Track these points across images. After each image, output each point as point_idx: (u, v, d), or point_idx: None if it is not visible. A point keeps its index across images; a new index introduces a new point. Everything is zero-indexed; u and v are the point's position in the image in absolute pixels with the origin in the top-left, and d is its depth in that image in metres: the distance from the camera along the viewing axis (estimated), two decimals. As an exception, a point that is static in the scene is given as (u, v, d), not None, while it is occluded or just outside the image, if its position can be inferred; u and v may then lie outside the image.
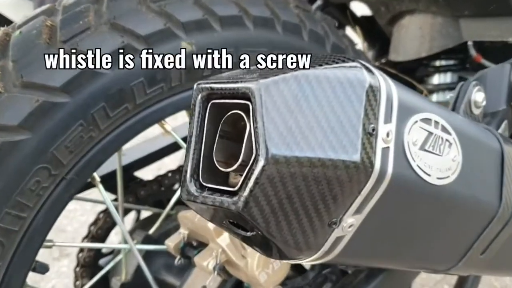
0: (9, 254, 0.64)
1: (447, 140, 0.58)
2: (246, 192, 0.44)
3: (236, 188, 0.45)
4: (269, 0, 0.85)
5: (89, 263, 1.04)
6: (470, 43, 1.27)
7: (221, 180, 0.49)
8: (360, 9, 1.58)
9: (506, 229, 0.71)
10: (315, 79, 0.46)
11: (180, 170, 1.16)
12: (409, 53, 1.34)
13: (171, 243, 0.75)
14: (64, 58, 0.63)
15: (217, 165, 0.47)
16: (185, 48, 0.73)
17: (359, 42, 1.41)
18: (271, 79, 0.44)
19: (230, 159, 0.48)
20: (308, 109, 0.46)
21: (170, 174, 1.14)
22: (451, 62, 1.39)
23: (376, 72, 0.52)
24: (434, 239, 0.64)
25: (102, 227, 1.04)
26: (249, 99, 0.44)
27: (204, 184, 0.48)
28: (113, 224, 1.06)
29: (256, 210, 0.45)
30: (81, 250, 1.04)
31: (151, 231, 0.94)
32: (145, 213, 1.14)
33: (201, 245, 0.74)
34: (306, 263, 0.54)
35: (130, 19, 0.68)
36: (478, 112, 0.79)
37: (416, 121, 0.54)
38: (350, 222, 0.51)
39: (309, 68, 0.47)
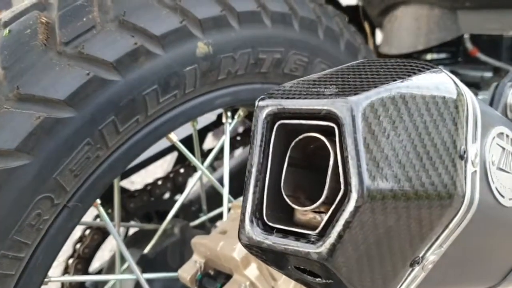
0: (4, 303, 0.52)
1: (515, 155, 0.52)
2: (333, 238, 0.35)
3: (317, 232, 0.37)
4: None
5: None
6: (466, 36, 1.23)
7: (284, 217, 0.40)
8: (346, -1, 1.51)
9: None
10: (409, 95, 0.38)
11: (170, 177, 1.05)
12: (404, 46, 1.28)
13: (187, 274, 0.65)
14: (68, 64, 0.52)
15: (288, 201, 0.39)
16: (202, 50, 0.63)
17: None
18: (364, 96, 0.36)
19: (299, 192, 0.40)
20: (403, 132, 0.38)
21: (159, 182, 1.03)
22: (442, 55, 1.35)
23: (458, 82, 0.44)
24: (487, 260, 0.59)
25: (89, 245, 0.92)
26: (334, 121, 0.36)
27: (270, 224, 0.39)
28: (100, 242, 0.95)
29: (343, 258, 0.36)
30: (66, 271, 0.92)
31: (146, 250, 0.84)
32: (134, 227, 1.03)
33: (219, 275, 0.64)
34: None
35: (141, 16, 0.58)
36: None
37: (494, 137, 0.48)
38: (432, 259, 0.44)
39: (396, 80, 0.39)
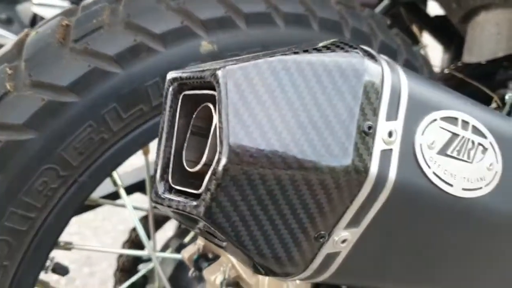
0: (18, 254, 0.64)
1: (480, 144, 0.48)
2: (207, 196, 0.38)
3: (200, 191, 0.40)
4: (309, -1, 0.79)
5: (127, 268, 1.04)
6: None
7: (196, 182, 0.44)
8: (435, 9, 1.46)
9: None
10: (295, 66, 0.40)
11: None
12: (484, 53, 1.20)
13: (187, 254, 0.71)
14: (75, 58, 0.62)
15: (185, 165, 0.43)
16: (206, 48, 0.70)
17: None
18: (239, 65, 0.39)
19: (200, 158, 0.43)
20: (284, 101, 0.39)
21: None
22: (538, 64, 1.22)
23: (382, 59, 0.44)
24: (479, 267, 0.54)
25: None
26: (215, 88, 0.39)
27: (173, 185, 0.44)
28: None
29: (221, 216, 0.39)
30: (121, 255, 1.04)
31: (186, 239, 0.91)
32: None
33: (216, 258, 0.69)
34: (299, 280, 0.48)
35: (145, 18, 0.66)
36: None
37: (435, 120, 0.45)
38: (344, 236, 0.43)
39: (292, 54, 0.41)
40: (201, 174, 0.42)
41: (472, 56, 1.24)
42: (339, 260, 0.45)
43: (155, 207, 1.07)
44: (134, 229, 1.07)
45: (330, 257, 0.44)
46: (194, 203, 0.40)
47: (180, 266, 0.88)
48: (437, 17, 1.49)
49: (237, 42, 0.72)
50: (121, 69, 0.64)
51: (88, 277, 1.80)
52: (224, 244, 0.43)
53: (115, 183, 0.77)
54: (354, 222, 0.43)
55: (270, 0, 0.75)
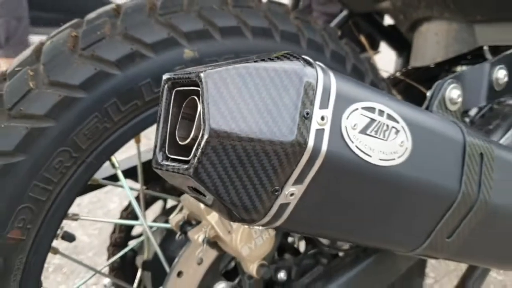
0: (38, 220, 0.79)
1: (393, 127, 0.66)
2: (195, 160, 0.55)
3: (190, 158, 0.57)
4: (269, 11, 0.96)
5: (119, 243, 1.19)
6: (485, 47, 1.31)
7: (186, 153, 0.61)
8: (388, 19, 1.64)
9: (471, 217, 0.77)
10: (255, 71, 0.57)
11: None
12: (426, 59, 1.39)
13: (174, 221, 0.87)
14: (84, 63, 0.78)
15: (178, 140, 0.59)
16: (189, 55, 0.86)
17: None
18: (216, 69, 0.56)
19: (189, 136, 0.60)
20: (248, 95, 0.56)
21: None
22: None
23: (317, 66, 0.61)
24: (392, 219, 0.72)
25: (132, 211, 1.19)
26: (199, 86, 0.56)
27: (169, 155, 0.60)
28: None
29: (205, 175, 0.56)
30: (113, 231, 1.20)
31: (171, 216, 1.07)
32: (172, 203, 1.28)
33: (198, 223, 0.85)
34: (261, 226, 0.64)
35: (139, 30, 0.83)
36: (455, 108, 0.85)
37: (357, 109, 0.63)
38: (292, 190, 0.60)
39: (253, 62, 0.58)
40: (189, 147, 0.59)
41: (417, 61, 1.44)
42: (289, 209, 0.62)
43: (146, 188, 1.23)
44: (125, 209, 1.23)
45: (283, 207, 0.61)
46: (185, 166, 0.56)
47: (166, 237, 1.04)
48: (390, 26, 1.68)
49: (214, 50, 0.89)
50: (120, 72, 0.81)
51: (76, 265, 1.93)
52: (207, 198, 0.60)
53: (113, 166, 0.92)
54: (299, 180, 0.60)
55: (240, 16, 0.92)
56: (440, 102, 0.83)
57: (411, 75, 1.46)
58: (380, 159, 0.65)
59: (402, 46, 1.65)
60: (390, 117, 0.66)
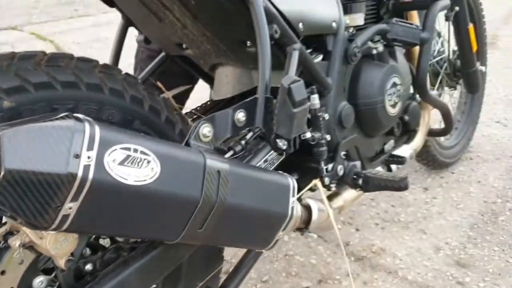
0: None
1: (145, 159, 1.01)
2: (-2, 185, 0.84)
3: (-6, 188, 0.85)
4: (76, 68, 1.26)
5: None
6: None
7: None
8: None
9: (214, 213, 1.15)
10: (39, 128, 0.88)
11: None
12: (222, 94, 1.80)
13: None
14: None
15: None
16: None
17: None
18: (11, 129, 0.86)
19: None
20: (35, 145, 0.87)
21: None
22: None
23: (85, 121, 0.94)
24: (153, 220, 1.07)
25: None
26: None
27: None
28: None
29: (4, 199, 0.85)
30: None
31: None
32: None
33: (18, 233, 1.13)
34: (51, 231, 0.95)
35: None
36: (207, 140, 1.23)
37: (116, 149, 0.97)
38: (70, 205, 0.92)
39: (41, 122, 0.89)
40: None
41: (216, 95, 1.84)
42: (69, 219, 0.93)
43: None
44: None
45: (65, 217, 0.92)
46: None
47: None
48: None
49: (29, 100, 1.17)
50: None
51: None
52: (10, 214, 0.89)
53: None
54: (74, 199, 0.92)
55: (50, 72, 1.21)
56: (196, 136, 1.21)
57: (213, 107, 1.85)
58: (135, 181, 0.99)
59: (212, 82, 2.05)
60: (142, 152, 1.01)
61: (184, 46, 1.72)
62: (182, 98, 2.17)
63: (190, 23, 1.52)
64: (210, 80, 2.05)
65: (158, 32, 1.71)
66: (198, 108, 1.88)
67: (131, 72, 2.25)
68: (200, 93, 2.34)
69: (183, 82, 2.07)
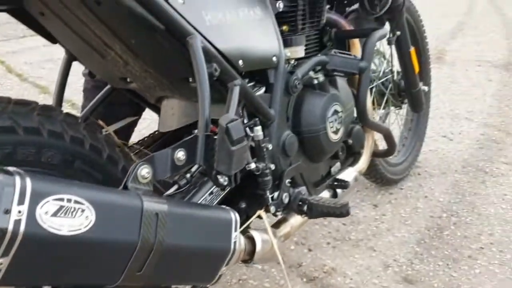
0: None
1: (79, 208, 1.03)
2: None
3: None
4: (13, 113, 1.26)
5: None
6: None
7: None
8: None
9: (153, 255, 1.17)
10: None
11: None
12: (166, 126, 1.82)
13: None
14: None
15: None
16: None
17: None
18: None
19: None
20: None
21: None
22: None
23: (16, 173, 0.94)
24: (89, 267, 1.08)
25: None
26: None
27: None
28: None
29: None
30: None
31: None
32: None
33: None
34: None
35: None
36: (146, 181, 1.24)
37: (48, 201, 0.98)
38: (1, 261, 0.92)
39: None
40: None
41: (162, 128, 1.86)
42: (2, 272, 0.93)
43: None
44: None
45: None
46: None
47: None
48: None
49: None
50: None
51: None
52: None
53: None
54: (5, 254, 0.92)
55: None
56: (134, 178, 1.23)
57: (156, 137, 1.87)
58: (69, 231, 1.00)
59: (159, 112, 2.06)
60: (76, 202, 1.02)
61: (128, 80, 1.74)
62: (128, 129, 2.18)
63: (132, 60, 1.54)
64: (157, 110, 2.06)
65: (102, 68, 1.72)
66: (146, 138, 1.89)
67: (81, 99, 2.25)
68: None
69: (130, 111, 2.08)
